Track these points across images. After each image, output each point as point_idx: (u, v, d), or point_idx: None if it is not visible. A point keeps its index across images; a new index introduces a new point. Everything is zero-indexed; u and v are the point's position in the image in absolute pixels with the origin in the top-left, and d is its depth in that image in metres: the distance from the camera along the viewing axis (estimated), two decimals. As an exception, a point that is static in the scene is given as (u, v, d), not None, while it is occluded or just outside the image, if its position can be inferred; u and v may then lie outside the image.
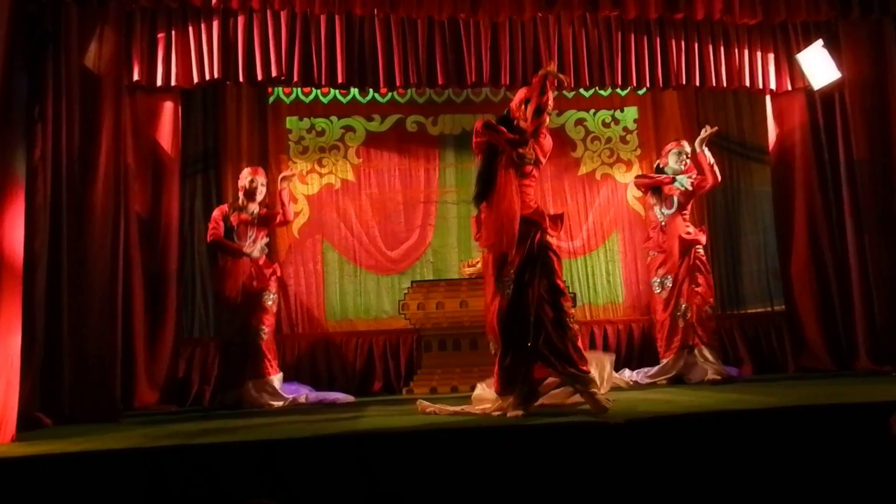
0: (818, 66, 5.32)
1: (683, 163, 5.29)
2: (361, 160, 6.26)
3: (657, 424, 2.95)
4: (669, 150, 5.37)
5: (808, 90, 5.59)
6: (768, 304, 6.15)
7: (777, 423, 2.95)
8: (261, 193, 5.13)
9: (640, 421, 2.97)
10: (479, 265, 5.63)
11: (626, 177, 6.35)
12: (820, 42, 5.28)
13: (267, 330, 4.96)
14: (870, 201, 5.21)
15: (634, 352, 5.88)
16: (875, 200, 5.19)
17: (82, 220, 4.28)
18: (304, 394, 5.03)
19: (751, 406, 3.29)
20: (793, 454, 2.81)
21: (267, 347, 4.93)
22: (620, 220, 6.32)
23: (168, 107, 5.22)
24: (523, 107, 3.73)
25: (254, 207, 5.09)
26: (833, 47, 5.28)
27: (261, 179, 5.16)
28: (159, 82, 4.93)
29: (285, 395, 4.89)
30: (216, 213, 5.11)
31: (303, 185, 6.15)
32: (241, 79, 4.98)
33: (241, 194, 5.10)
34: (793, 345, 5.69)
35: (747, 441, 2.85)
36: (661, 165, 5.42)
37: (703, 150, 5.21)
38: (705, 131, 5.24)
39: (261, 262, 5.06)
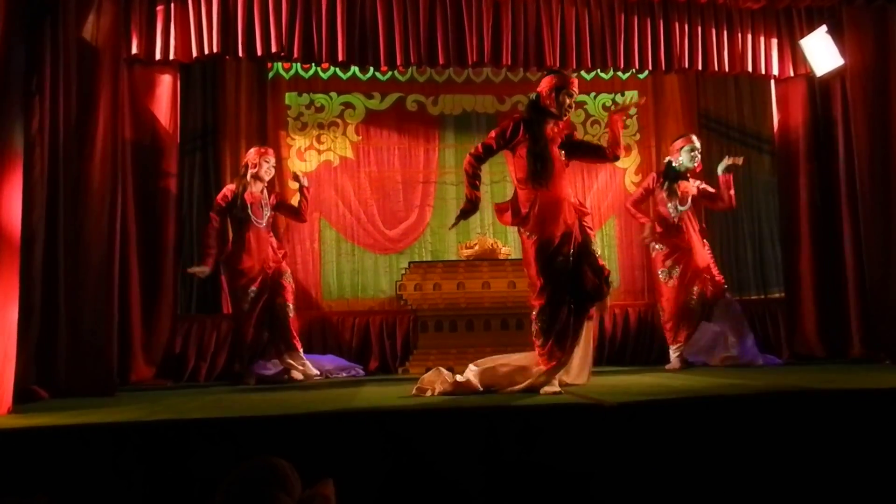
0: (821, 52, 5.29)
1: (695, 160, 5.29)
2: (361, 138, 6.23)
3: (649, 407, 2.97)
4: (681, 147, 5.30)
5: (810, 77, 5.57)
6: (763, 292, 6.17)
7: (768, 408, 2.97)
8: (268, 174, 5.19)
9: (632, 404, 2.99)
10: (476, 247, 5.64)
11: (625, 161, 6.32)
12: (824, 28, 5.24)
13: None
14: (867, 190, 5.19)
15: (630, 335, 5.90)
16: (872, 189, 5.18)
17: (79, 194, 4.26)
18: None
19: (742, 391, 3.31)
20: (784, 439, 2.83)
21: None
22: (618, 205, 6.28)
23: (166, 81, 5.17)
24: (553, 94, 3.85)
25: (260, 187, 5.15)
26: (836, 33, 5.24)
27: (271, 161, 5.22)
28: (158, 56, 4.88)
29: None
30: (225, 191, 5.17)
31: (301, 161, 6.12)
32: (240, 54, 4.93)
33: (248, 172, 5.11)
34: (787, 332, 5.71)
35: (738, 425, 2.87)
36: (672, 161, 5.36)
37: (725, 174, 5.32)
38: (731, 160, 5.32)
39: (274, 244, 5.23)
